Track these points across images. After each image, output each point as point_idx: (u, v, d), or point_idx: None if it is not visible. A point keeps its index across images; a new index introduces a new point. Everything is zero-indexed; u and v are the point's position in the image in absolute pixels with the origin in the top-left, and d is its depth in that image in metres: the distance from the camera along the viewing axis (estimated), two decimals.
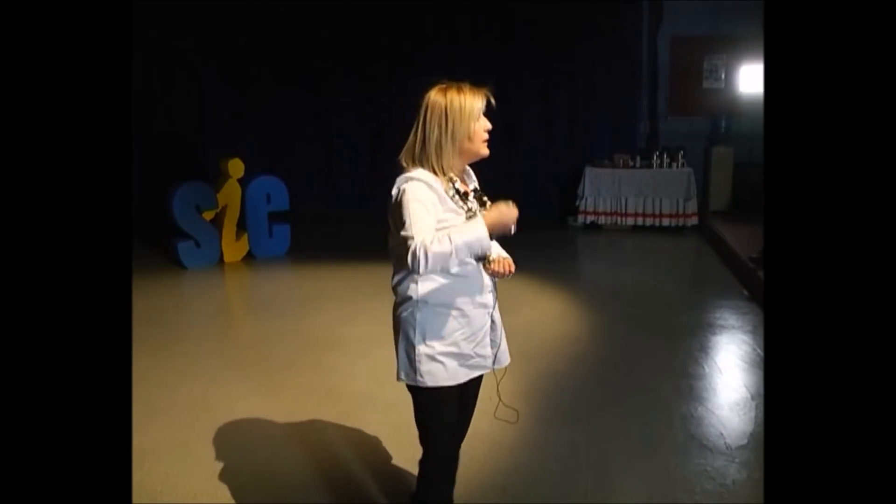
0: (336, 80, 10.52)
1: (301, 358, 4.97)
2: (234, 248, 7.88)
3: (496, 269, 2.47)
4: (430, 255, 2.22)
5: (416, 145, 2.43)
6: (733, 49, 9.74)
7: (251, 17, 10.16)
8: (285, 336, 5.45)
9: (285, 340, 5.36)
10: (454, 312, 2.47)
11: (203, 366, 4.85)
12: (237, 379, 4.60)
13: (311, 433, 3.83)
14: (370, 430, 3.85)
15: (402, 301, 2.50)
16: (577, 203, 9.61)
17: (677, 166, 9.38)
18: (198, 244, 7.58)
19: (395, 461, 3.51)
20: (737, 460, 3.56)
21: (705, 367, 4.81)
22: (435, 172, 2.41)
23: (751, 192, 9.23)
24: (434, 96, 2.43)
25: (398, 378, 2.54)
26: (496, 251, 2.57)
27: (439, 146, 2.41)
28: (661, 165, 9.42)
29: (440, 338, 2.47)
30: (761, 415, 4.06)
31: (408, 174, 2.39)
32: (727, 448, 3.67)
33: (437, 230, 2.30)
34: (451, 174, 2.45)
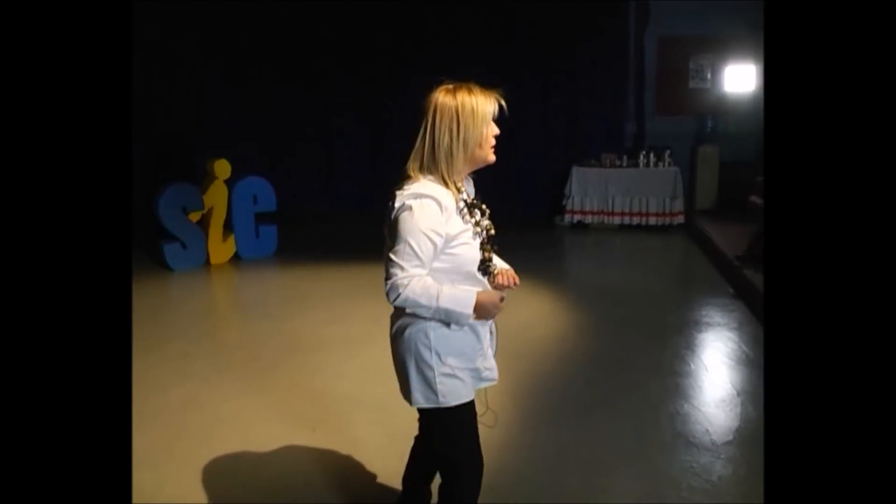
0: (336, 80, 10.48)
1: (288, 358, 4.97)
2: (220, 249, 7.85)
3: (501, 281, 2.40)
4: (409, 297, 2.15)
5: (425, 152, 2.25)
6: (719, 49, 9.80)
7: (251, 17, 10.12)
8: (272, 337, 5.45)
9: (273, 341, 5.35)
10: (466, 328, 2.34)
11: (193, 367, 4.83)
12: (226, 380, 4.59)
13: (300, 434, 3.83)
14: (358, 429, 3.86)
15: (409, 319, 2.33)
16: (565, 202, 9.64)
17: (664, 165, 9.43)
18: (184, 246, 7.55)
19: (382, 461, 3.51)
20: (722, 456, 3.58)
21: (691, 364, 4.84)
22: (444, 181, 2.25)
23: (737, 191, 9.28)
24: (443, 98, 2.24)
25: (413, 403, 2.38)
26: (499, 264, 2.48)
27: (450, 153, 2.24)
28: (647, 165, 9.47)
29: (456, 355, 2.35)
30: (746, 411, 4.09)
31: (417, 188, 2.21)
32: (713, 444, 3.70)
33: (446, 246, 2.21)
34: (460, 183, 2.32)
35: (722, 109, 9.95)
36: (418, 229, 2.15)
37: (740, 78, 9.63)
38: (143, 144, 9.57)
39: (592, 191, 9.55)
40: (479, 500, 2.50)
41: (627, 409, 4.14)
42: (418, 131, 2.26)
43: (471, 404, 2.41)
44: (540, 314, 5.98)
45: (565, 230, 9.60)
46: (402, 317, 2.35)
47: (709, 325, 5.72)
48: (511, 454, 3.60)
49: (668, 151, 9.47)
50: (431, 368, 2.32)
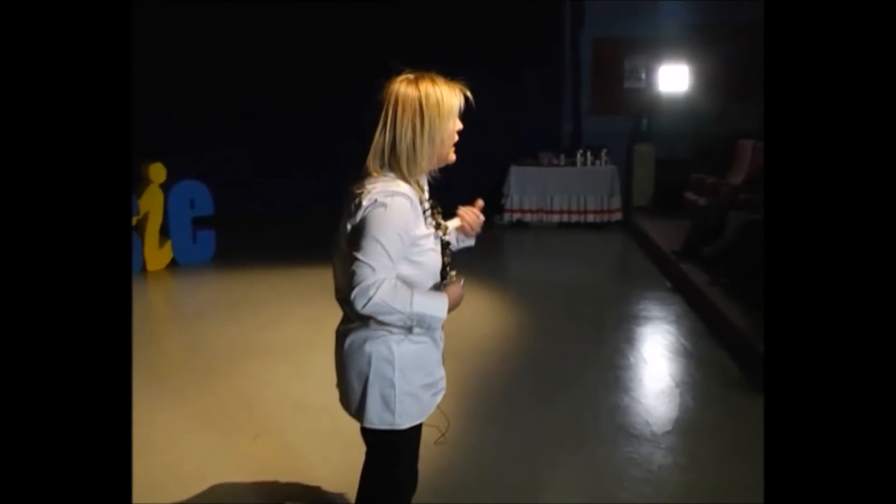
0: (271, 79, 10.34)
1: (228, 365, 4.88)
2: (157, 255, 7.67)
3: (469, 219, 2.31)
4: (381, 301, 1.94)
5: (385, 148, 2.04)
6: (653, 50, 10.01)
7: (181, 15, 9.89)
8: (212, 343, 5.35)
9: (212, 348, 5.25)
10: (428, 338, 2.18)
11: None
12: (164, 389, 4.48)
13: (241, 442, 3.77)
14: (301, 435, 3.81)
15: (367, 332, 2.12)
16: (503, 202, 9.72)
17: (601, 164, 9.60)
18: None
19: (326, 467, 3.48)
20: (662, 446, 3.65)
21: (631, 358, 4.93)
22: (406, 180, 2.06)
23: (672, 188, 9.49)
24: (405, 89, 2.04)
25: (365, 423, 2.18)
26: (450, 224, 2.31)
27: (413, 149, 2.04)
28: (585, 163, 9.62)
29: (418, 368, 2.17)
30: (685, 401, 4.19)
31: (388, 186, 2.01)
32: (653, 435, 3.77)
33: (411, 252, 2.05)
34: (422, 182, 2.14)
35: (656, 109, 10.17)
36: (391, 228, 1.97)
37: (674, 78, 9.85)
38: None
39: (531, 190, 9.65)
40: (423, 502, 2.50)
41: (569, 403, 4.19)
42: (376, 125, 2.06)
43: (420, 425, 2.26)
44: (482, 313, 6.01)
45: (505, 229, 9.67)
46: (358, 329, 2.13)
47: (647, 318, 5.84)
48: (455, 454, 3.60)
49: (604, 150, 9.64)
50: (393, 387, 2.12)
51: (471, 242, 2.49)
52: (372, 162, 2.05)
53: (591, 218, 9.58)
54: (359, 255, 1.96)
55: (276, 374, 4.70)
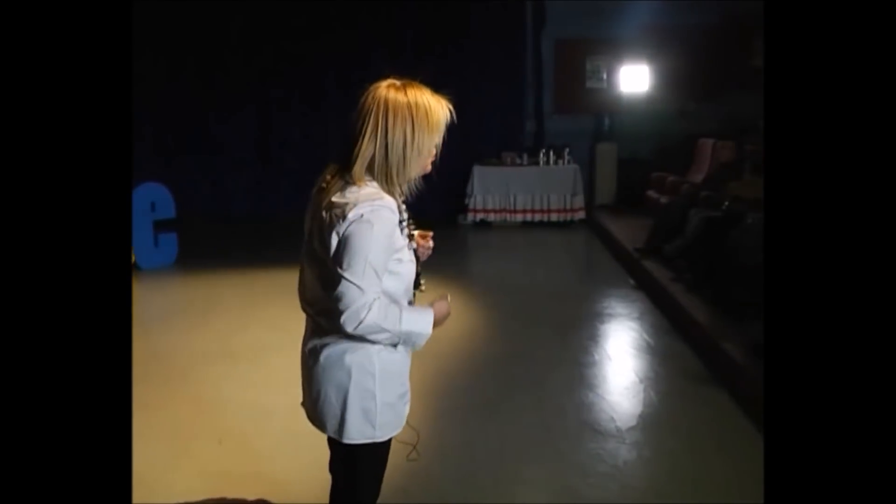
0: (232, 84, 10.24)
1: (193, 370, 4.82)
2: None
3: (422, 243, 2.23)
4: (372, 323, 1.90)
5: (376, 155, 1.96)
6: (614, 51, 10.10)
7: (141, 13, 9.75)
8: (176, 348, 5.28)
9: (176, 353, 5.18)
10: (404, 347, 2.12)
11: None
12: None
13: (205, 447, 3.73)
14: (265, 439, 3.78)
15: (346, 345, 2.04)
16: (467, 201, 9.74)
17: (563, 163, 9.67)
18: None
19: (291, 470, 3.46)
20: (627, 441, 3.70)
21: (595, 355, 4.97)
22: (391, 190, 2.00)
23: (634, 187, 9.60)
24: (394, 95, 1.96)
25: (345, 439, 2.09)
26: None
27: (403, 158, 1.97)
28: (548, 163, 9.68)
29: (396, 377, 2.14)
30: (649, 397, 4.24)
31: (371, 197, 1.93)
32: (617, 431, 3.81)
33: (390, 263, 2.00)
34: (403, 191, 2.07)
35: (618, 108, 10.27)
36: (378, 245, 1.91)
37: (635, 78, 9.95)
38: None
39: (494, 189, 9.68)
40: (389, 502, 2.49)
41: (534, 401, 4.21)
42: (359, 131, 1.96)
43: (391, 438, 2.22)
44: None
45: (469, 229, 9.69)
46: (335, 342, 2.06)
47: (611, 315, 5.90)
48: (422, 454, 3.60)
49: (567, 149, 9.71)
50: (374, 398, 2.07)
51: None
52: (359, 170, 1.96)
53: (554, 217, 9.65)
54: (346, 275, 1.89)
55: (240, 378, 4.66)
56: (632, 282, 6.81)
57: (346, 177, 1.98)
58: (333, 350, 2.06)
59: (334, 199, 1.95)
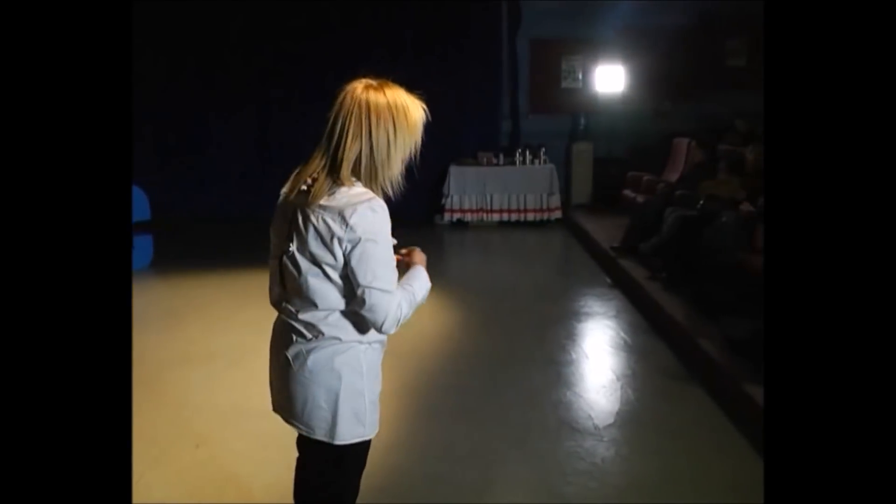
0: (210, 83, 10.13)
1: (169, 373, 4.78)
2: None
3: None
4: (403, 317, 2.03)
5: (362, 156, 1.97)
6: (589, 51, 10.15)
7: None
8: (152, 351, 5.21)
9: (153, 356, 5.12)
10: (378, 343, 2.16)
11: None
12: None
13: (183, 451, 3.70)
14: (244, 442, 3.76)
15: (335, 347, 2.05)
16: (444, 202, 9.73)
17: (540, 163, 9.70)
18: None
19: (268, 473, 3.43)
20: (605, 439, 3.72)
21: (573, 353, 5.00)
22: (374, 191, 2.02)
23: (610, 186, 9.65)
24: (374, 96, 1.97)
25: (337, 440, 2.09)
26: None
27: (387, 158, 2.00)
28: (524, 162, 9.71)
29: (377, 375, 2.18)
30: (626, 394, 4.27)
31: (362, 195, 1.96)
32: (595, 429, 3.83)
33: None
34: (386, 191, 2.08)
35: (593, 108, 10.32)
36: (387, 242, 2.00)
37: (610, 78, 10.01)
38: None
39: (471, 189, 9.68)
40: (369, 502, 2.49)
41: (512, 400, 4.23)
42: (341, 133, 1.97)
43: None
44: (424, 313, 5.97)
45: (445, 229, 9.69)
46: (322, 347, 2.05)
47: (588, 314, 5.93)
48: (401, 454, 3.60)
49: (543, 149, 9.74)
50: (363, 397, 2.09)
51: None
52: (346, 171, 1.97)
53: (530, 216, 9.68)
54: (375, 286, 1.95)
55: (217, 381, 4.62)
56: (608, 280, 6.86)
57: (332, 178, 1.98)
58: (321, 355, 2.05)
59: (323, 201, 1.96)
